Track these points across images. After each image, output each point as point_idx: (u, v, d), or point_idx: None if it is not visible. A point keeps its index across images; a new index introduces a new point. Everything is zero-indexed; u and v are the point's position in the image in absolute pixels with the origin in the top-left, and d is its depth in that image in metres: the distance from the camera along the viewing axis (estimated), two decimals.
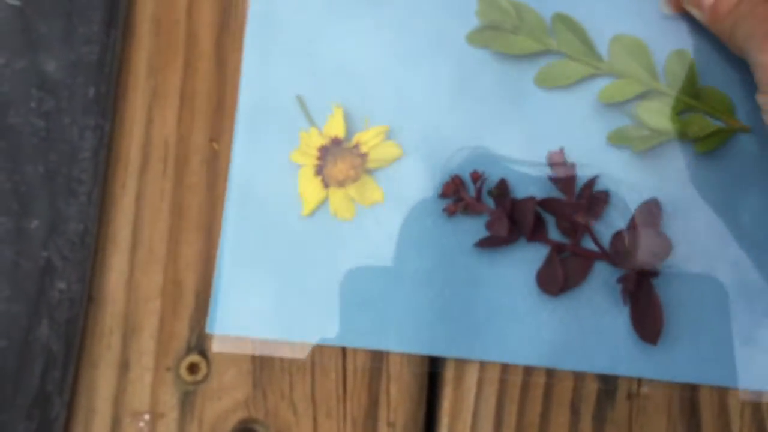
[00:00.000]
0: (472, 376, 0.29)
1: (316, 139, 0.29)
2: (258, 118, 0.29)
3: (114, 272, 0.29)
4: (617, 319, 0.29)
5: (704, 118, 0.30)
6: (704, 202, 0.29)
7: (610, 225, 0.29)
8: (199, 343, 0.28)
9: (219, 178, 0.29)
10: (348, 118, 0.29)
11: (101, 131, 0.28)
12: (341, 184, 0.29)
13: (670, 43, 0.30)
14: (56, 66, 0.27)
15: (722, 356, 0.29)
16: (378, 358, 0.29)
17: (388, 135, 0.29)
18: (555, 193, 0.29)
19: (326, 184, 0.29)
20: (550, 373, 0.29)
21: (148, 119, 0.29)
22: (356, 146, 0.29)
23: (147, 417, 0.28)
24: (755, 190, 0.29)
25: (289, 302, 0.28)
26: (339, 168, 0.29)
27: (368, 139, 0.29)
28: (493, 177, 0.29)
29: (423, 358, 0.29)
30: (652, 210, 0.29)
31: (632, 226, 0.29)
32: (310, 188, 0.29)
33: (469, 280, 0.29)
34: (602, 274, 0.29)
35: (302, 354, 0.28)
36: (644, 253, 0.28)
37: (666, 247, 0.28)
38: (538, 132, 0.30)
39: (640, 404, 0.28)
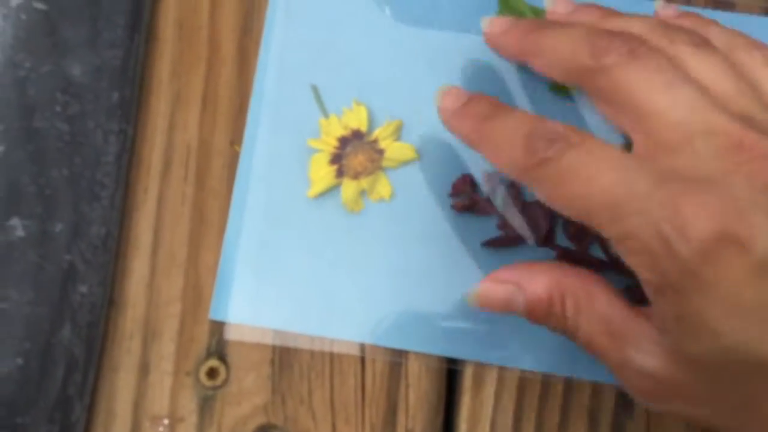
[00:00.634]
0: (490, 384, 0.29)
1: (336, 128, 0.29)
2: (271, 106, 0.29)
3: (135, 276, 0.29)
4: None
5: None
6: None
7: None
8: (219, 348, 0.29)
9: None
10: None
11: (124, 135, 0.28)
12: (358, 175, 0.29)
13: None
14: (81, 70, 0.27)
15: None
16: (396, 364, 0.29)
17: (402, 131, 0.30)
18: None
19: (341, 173, 0.29)
20: (569, 382, 0.29)
21: (170, 123, 0.30)
22: (375, 141, 0.29)
23: (166, 421, 0.28)
24: None
25: (293, 291, 0.29)
26: (359, 159, 0.29)
27: (387, 135, 0.29)
28: (505, 178, 0.30)
29: (441, 365, 0.29)
30: None
31: None
32: (322, 173, 0.29)
33: (473, 280, 0.29)
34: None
35: (314, 345, 0.28)
36: None
37: None
38: None
39: (659, 415, 0.28)
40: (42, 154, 0.26)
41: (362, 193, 0.29)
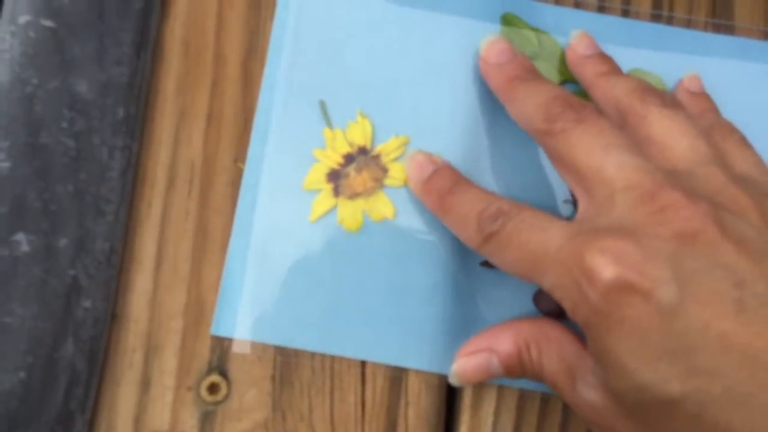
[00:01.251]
0: (489, 403, 0.29)
1: (341, 144, 0.29)
2: (277, 123, 0.30)
3: (138, 291, 0.29)
4: None
5: None
6: None
7: None
8: (220, 364, 0.29)
9: None
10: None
11: (129, 151, 0.28)
12: (356, 195, 0.29)
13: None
14: (88, 87, 0.27)
15: None
16: (397, 382, 0.29)
17: (407, 148, 0.30)
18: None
19: (337, 192, 0.29)
20: None
21: (174, 140, 0.30)
22: (378, 156, 0.29)
23: None
24: None
25: (294, 308, 0.29)
26: (362, 177, 0.29)
27: (390, 150, 0.29)
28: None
29: (441, 383, 0.29)
30: None
31: None
32: (314, 179, 0.29)
33: (472, 299, 0.29)
34: None
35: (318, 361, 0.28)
36: None
37: None
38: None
39: None
40: (48, 170, 0.26)
41: (362, 212, 0.29)
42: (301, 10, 0.31)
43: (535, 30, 0.31)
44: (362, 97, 0.30)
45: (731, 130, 0.27)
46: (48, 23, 0.27)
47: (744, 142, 0.27)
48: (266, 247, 0.29)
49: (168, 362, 0.29)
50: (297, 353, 0.29)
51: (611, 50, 0.31)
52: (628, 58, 0.31)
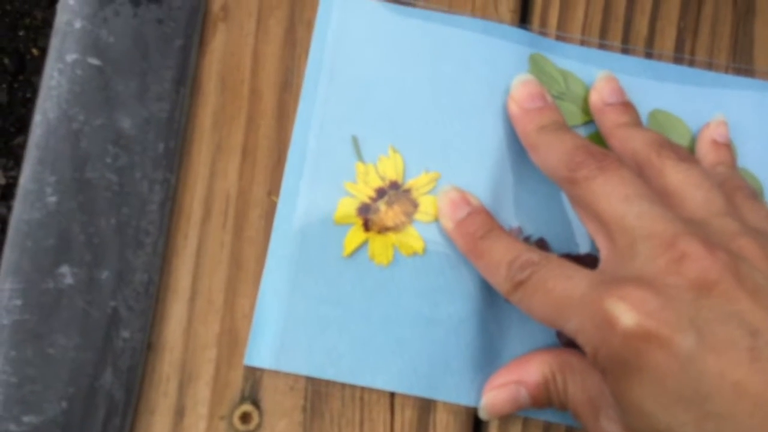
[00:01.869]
0: None
1: (373, 178, 0.30)
2: (311, 158, 0.31)
3: (173, 321, 0.30)
4: None
5: None
6: None
7: None
8: (253, 393, 0.29)
9: None
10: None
11: (168, 184, 0.29)
12: (386, 230, 0.30)
13: (707, 121, 0.32)
14: (131, 123, 0.28)
15: None
16: (425, 413, 0.29)
17: (438, 183, 0.31)
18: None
19: (367, 227, 0.30)
20: None
21: (211, 173, 0.31)
22: (409, 191, 0.30)
23: None
24: None
25: (325, 339, 0.29)
26: (394, 211, 0.30)
27: (421, 185, 0.30)
28: (534, 234, 0.31)
29: (468, 414, 0.30)
30: None
31: None
32: (345, 213, 0.30)
33: (499, 332, 0.30)
34: None
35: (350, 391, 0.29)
36: None
37: None
38: None
39: None
40: (92, 204, 0.27)
41: (393, 246, 0.30)
42: (336, 48, 0.31)
43: (562, 71, 0.32)
44: (394, 133, 0.31)
45: (742, 184, 0.28)
46: (94, 61, 0.28)
47: (754, 195, 0.28)
48: (298, 279, 0.30)
49: (202, 391, 0.29)
50: (327, 384, 0.29)
51: (635, 86, 0.31)
52: (651, 96, 0.32)
